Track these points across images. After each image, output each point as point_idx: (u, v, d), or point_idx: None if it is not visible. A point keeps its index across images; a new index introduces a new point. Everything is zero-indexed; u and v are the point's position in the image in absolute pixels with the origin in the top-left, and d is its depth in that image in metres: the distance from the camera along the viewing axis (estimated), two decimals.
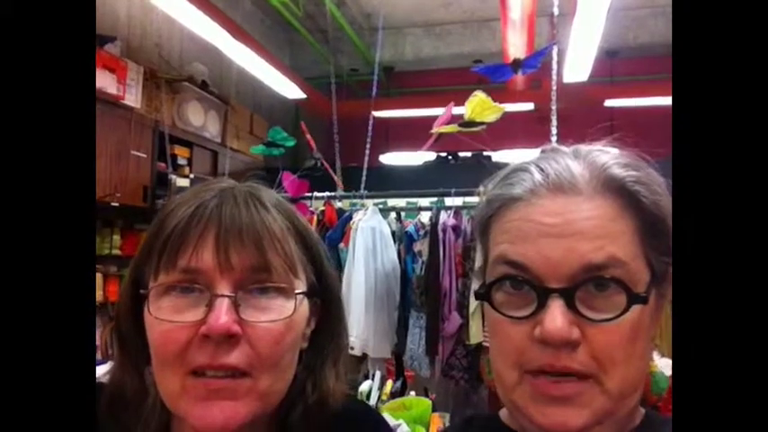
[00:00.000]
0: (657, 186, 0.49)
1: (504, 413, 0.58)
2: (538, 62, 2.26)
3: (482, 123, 2.31)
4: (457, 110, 2.44)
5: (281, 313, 0.51)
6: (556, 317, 0.44)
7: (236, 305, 0.50)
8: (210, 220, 0.51)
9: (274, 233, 0.52)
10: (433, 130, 2.42)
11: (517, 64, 2.28)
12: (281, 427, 0.56)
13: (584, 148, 0.52)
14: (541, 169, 0.50)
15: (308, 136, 3.07)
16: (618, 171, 0.48)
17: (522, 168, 0.51)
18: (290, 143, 2.97)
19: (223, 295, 0.49)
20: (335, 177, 3.22)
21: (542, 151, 0.54)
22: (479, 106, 2.27)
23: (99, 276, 3.27)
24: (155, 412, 0.54)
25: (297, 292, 0.53)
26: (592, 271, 0.45)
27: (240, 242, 0.50)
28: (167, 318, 0.49)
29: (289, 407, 0.55)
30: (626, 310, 0.44)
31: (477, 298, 0.51)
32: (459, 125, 2.34)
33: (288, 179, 2.73)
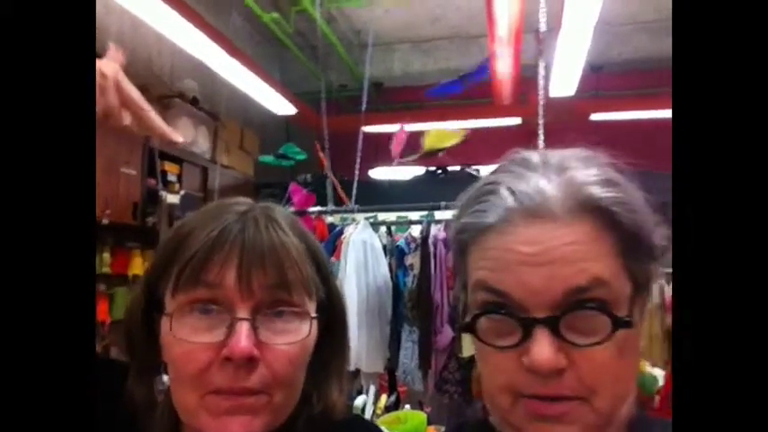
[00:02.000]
0: (635, 203, 0.48)
1: (494, 419, 0.58)
2: (481, 75, 2.43)
3: (442, 149, 2.43)
4: (440, 125, 2.53)
5: (297, 335, 0.53)
6: (543, 347, 0.44)
7: (254, 328, 0.51)
8: (234, 244, 0.52)
9: (293, 257, 0.54)
10: (394, 162, 2.53)
11: (464, 78, 2.46)
12: None
13: (554, 158, 0.50)
14: (513, 192, 0.47)
15: (321, 154, 3.10)
16: (594, 191, 0.46)
17: (491, 191, 0.49)
18: (301, 157, 3.00)
19: (243, 318, 0.51)
20: (342, 194, 3.23)
21: (511, 161, 0.52)
22: (435, 137, 2.40)
23: None
24: (161, 423, 0.56)
25: (312, 316, 0.55)
26: (575, 294, 0.44)
27: (262, 266, 0.52)
28: (187, 338, 0.51)
29: (292, 417, 0.56)
30: (611, 335, 0.44)
31: (460, 331, 0.51)
32: (420, 156, 2.46)
33: (297, 192, 2.75)
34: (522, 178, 0.48)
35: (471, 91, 2.60)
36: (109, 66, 0.60)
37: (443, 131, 2.43)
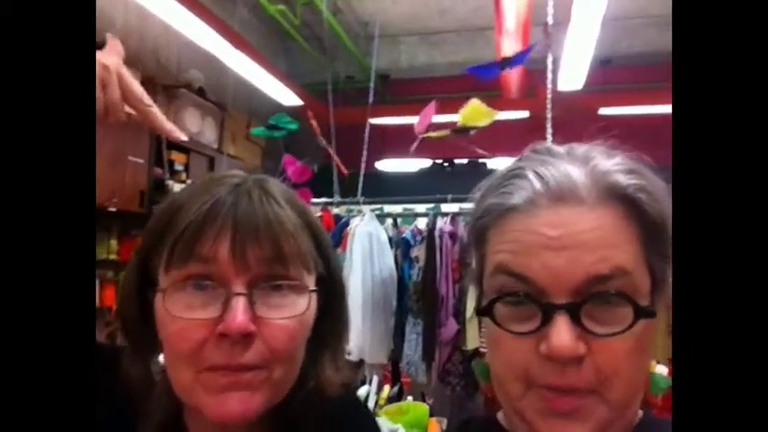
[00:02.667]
0: (659, 193, 0.48)
1: (501, 416, 0.58)
2: (523, 59, 2.37)
3: (474, 128, 2.38)
4: (447, 117, 2.48)
5: (295, 310, 0.52)
6: (562, 333, 0.43)
7: (251, 303, 0.50)
8: (226, 217, 0.50)
9: (288, 230, 0.52)
10: (421, 135, 2.47)
11: (505, 61, 2.40)
12: (279, 412, 0.56)
13: (579, 149, 0.50)
14: (540, 176, 0.47)
15: (313, 121, 3.00)
16: (621, 178, 0.47)
17: (518, 174, 0.49)
18: (293, 126, 2.92)
19: (239, 293, 0.49)
20: (341, 166, 3.15)
21: (534, 151, 0.52)
22: (472, 112, 2.34)
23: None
24: (161, 404, 0.55)
25: (310, 289, 0.54)
26: (597, 283, 0.44)
27: (256, 240, 0.50)
28: (182, 315, 0.49)
29: (292, 393, 0.55)
30: (632, 325, 0.44)
31: (478, 314, 0.50)
32: (453, 131, 2.40)
33: (291, 164, 2.68)
34: (549, 164, 0.48)
35: (479, 84, 2.57)
36: (111, 57, 0.57)
37: (480, 108, 2.36)
